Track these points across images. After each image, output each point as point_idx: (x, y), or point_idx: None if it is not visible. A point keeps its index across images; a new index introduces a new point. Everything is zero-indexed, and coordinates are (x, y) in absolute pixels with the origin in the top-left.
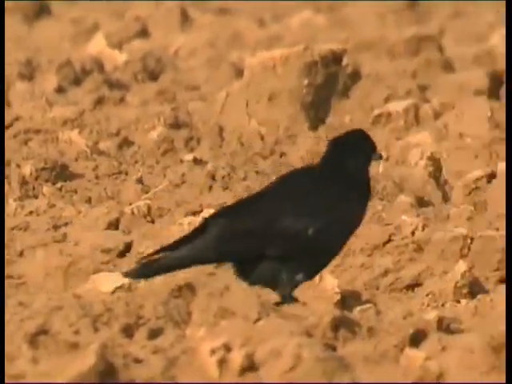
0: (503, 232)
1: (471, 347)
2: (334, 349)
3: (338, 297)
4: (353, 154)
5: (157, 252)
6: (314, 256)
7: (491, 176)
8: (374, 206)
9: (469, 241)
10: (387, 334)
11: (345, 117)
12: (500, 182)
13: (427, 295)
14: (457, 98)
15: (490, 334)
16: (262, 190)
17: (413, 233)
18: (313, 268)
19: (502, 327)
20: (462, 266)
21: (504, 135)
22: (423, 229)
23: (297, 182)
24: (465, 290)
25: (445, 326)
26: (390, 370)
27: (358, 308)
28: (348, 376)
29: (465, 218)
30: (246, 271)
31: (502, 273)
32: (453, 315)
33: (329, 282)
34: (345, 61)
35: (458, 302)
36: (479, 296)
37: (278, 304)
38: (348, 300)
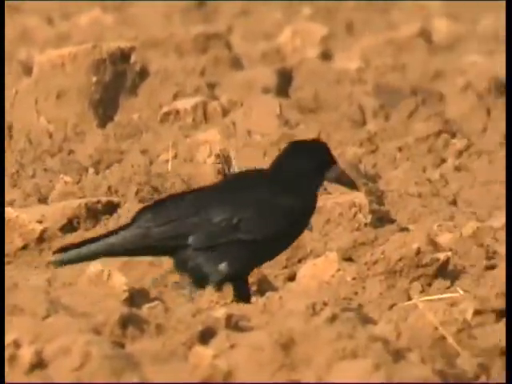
0: None
1: (260, 344)
2: (122, 346)
3: (126, 294)
4: (307, 163)
5: (84, 241)
6: (239, 247)
7: None
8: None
9: None
10: (176, 332)
11: (133, 114)
12: None
13: (216, 292)
14: (245, 95)
15: (278, 332)
16: (201, 187)
17: None
18: (237, 259)
19: (291, 324)
20: None
21: (293, 132)
22: None
23: (234, 180)
24: (254, 288)
25: (233, 324)
26: (179, 367)
27: (147, 305)
28: (137, 374)
29: None
30: (173, 262)
31: (291, 270)
32: (241, 313)
33: (117, 279)
34: (133, 58)
35: None
36: (268, 293)
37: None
38: (136, 297)
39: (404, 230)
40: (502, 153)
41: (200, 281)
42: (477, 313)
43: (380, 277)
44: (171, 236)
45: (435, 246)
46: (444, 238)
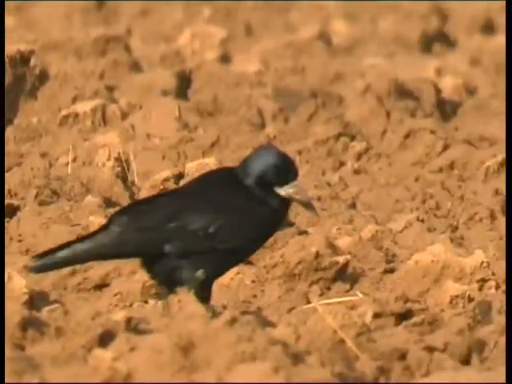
0: None
1: (159, 347)
2: (22, 349)
3: (26, 297)
4: (269, 172)
5: (59, 247)
6: (215, 255)
7: (179, 176)
8: (62, 206)
9: None
10: (75, 335)
11: (33, 118)
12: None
13: (115, 295)
14: (144, 98)
15: (178, 334)
16: (175, 188)
17: None
18: (213, 266)
19: (190, 327)
20: None
21: (192, 135)
22: None
23: (208, 182)
24: (153, 291)
25: (133, 326)
26: (79, 370)
27: (47, 308)
28: (37, 376)
29: None
30: (148, 268)
31: None
32: (141, 315)
33: (17, 282)
34: (33, 61)
35: (146, 302)
36: (168, 296)
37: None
38: (36, 300)
39: (303, 233)
40: (401, 155)
41: (175, 287)
42: (376, 316)
43: (279, 280)
44: (147, 244)
45: (334, 249)
46: (343, 242)
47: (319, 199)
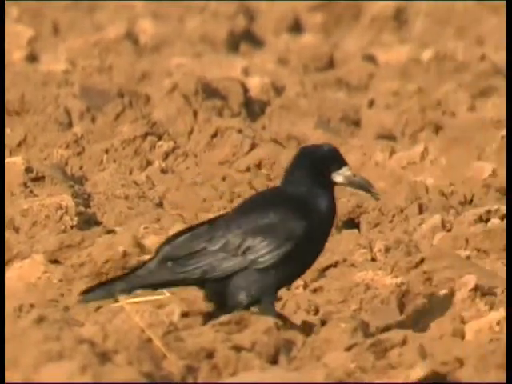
0: None
1: None
2: None
3: None
4: (312, 170)
5: (111, 280)
6: (254, 274)
7: None
8: None
9: None
10: None
11: None
12: None
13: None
14: None
15: None
16: (215, 217)
17: None
18: (254, 287)
19: None
20: None
21: None
22: None
23: (248, 204)
24: None
25: None
26: None
27: None
28: None
29: None
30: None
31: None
32: None
33: None
34: None
35: None
36: None
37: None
38: None
39: (110, 232)
40: (209, 154)
41: (225, 310)
42: (183, 315)
43: (86, 279)
44: (188, 273)
45: (142, 248)
46: (150, 241)
47: (126, 198)
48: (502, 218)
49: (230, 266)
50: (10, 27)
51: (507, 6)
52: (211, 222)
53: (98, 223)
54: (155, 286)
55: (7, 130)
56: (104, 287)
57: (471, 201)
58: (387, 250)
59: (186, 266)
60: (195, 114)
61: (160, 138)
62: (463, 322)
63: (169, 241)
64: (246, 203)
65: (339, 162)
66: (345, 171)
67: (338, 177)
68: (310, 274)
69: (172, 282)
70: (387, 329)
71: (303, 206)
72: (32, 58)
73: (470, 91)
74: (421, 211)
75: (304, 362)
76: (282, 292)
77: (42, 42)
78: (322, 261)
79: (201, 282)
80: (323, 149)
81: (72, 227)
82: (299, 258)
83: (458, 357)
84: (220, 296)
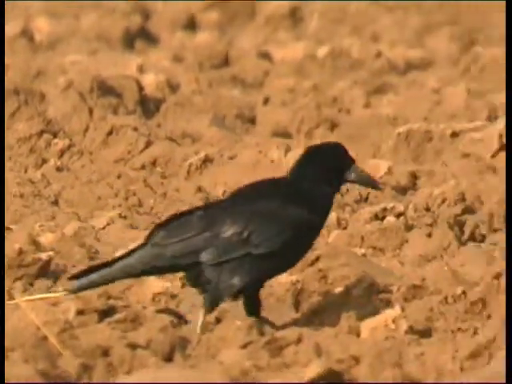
0: None
1: None
2: None
3: None
4: (324, 166)
5: (98, 266)
6: (251, 261)
7: None
8: None
9: None
10: None
11: None
12: None
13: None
14: None
15: None
16: (211, 202)
17: None
18: (250, 272)
19: None
20: None
21: None
22: None
23: (247, 191)
24: None
25: None
26: None
27: None
28: None
29: None
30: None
31: None
32: None
33: None
34: None
35: None
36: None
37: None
38: None
39: (7, 230)
40: (104, 152)
41: (213, 295)
42: (79, 313)
43: None
44: (183, 253)
45: (37, 245)
46: (46, 238)
47: (22, 196)
48: (397, 216)
49: (227, 252)
50: None
51: (507, 5)
52: (205, 208)
53: None
54: (146, 273)
55: None
56: (97, 272)
57: (367, 198)
58: None
59: (180, 252)
60: (90, 111)
61: (55, 135)
62: (359, 319)
63: (160, 226)
64: (247, 189)
65: (350, 159)
66: (356, 168)
67: (350, 174)
68: None
69: (165, 268)
70: (283, 327)
71: (306, 198)
72: None
73: (365, 88)
74: None
75: (199, 359)
76: (177, 289)
77: None
78: None
79: (193, 267)
80: (336, 148)
81: None
82: (295, 248)
83: (353, 355)
84: (209, 281)
